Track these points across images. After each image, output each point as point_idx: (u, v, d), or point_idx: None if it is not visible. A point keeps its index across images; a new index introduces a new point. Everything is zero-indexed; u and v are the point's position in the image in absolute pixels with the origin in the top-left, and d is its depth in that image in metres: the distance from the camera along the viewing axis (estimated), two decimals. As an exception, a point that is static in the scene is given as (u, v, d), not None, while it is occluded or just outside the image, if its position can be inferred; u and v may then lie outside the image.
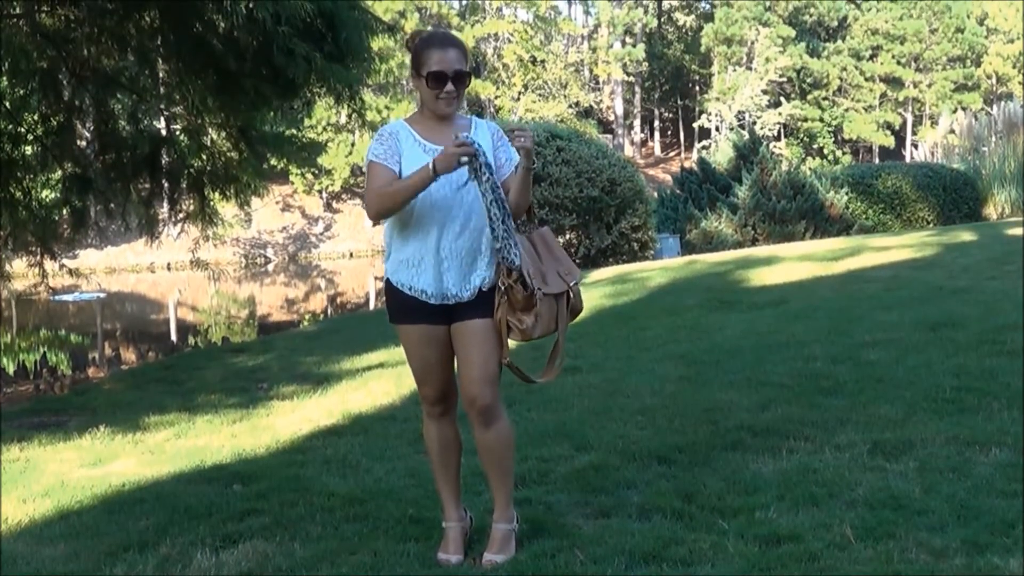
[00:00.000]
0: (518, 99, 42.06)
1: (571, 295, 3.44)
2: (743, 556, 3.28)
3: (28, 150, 8.88)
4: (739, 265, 11.37)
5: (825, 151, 46.24)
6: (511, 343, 3.37)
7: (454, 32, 4.28)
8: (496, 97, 41.84)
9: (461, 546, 3.47)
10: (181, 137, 9.22)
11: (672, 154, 52.88)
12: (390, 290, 3.43)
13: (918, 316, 7.28)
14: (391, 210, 3.30)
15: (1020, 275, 8.60)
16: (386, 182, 3.29)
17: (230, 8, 6.43)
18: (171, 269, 33.02)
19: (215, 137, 8.94)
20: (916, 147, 34.13)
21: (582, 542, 3.47)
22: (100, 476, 4.79)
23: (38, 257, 9.40)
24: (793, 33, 45.48)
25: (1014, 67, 47.40)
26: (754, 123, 39.84)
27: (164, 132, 9.86)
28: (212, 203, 9.17)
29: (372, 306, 21.60)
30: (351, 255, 36.73)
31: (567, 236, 14.95)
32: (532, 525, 3.62)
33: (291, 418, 5.87)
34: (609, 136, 45.60)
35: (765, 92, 42.38)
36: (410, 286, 3.36)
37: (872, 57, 47.76)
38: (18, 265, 10.11)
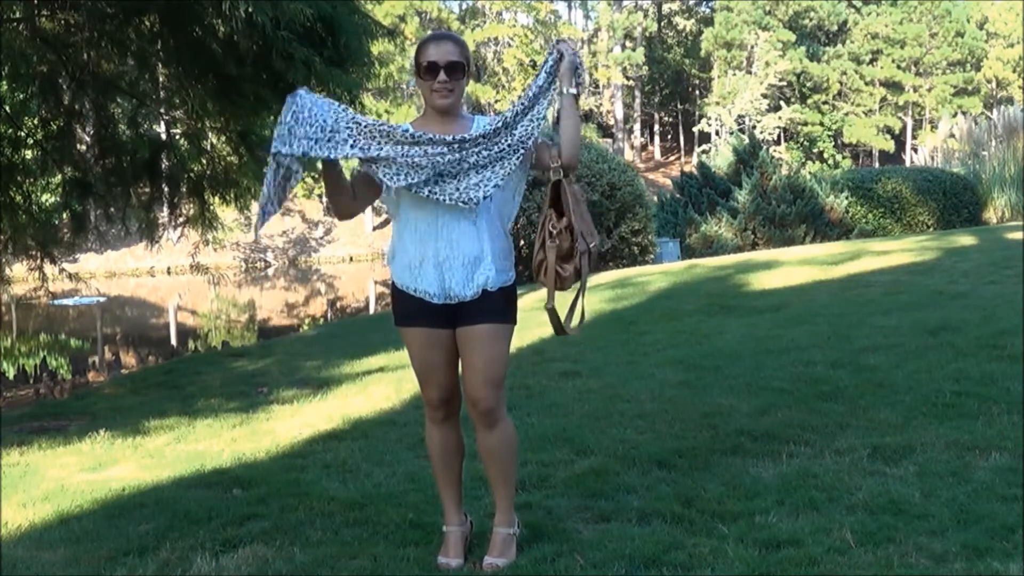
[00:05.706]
0: (518, 103, 42.03)
1: (591, 254, 3.44)
2: (743, 560, 3.28)
3: (28, 154, 8.88)
4: (739, 269, 11.37)
5: (825, 155, 46.31)
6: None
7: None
8: (496, 101, 41.87)
9: (461, 550, 3.47)
10: (181, 141, 9.22)
11: (672, 158, 52.92)
12: (395, 293, 3.44)
13: (918, 321, 7.28)
14: (333, 204, 3.39)
15: (1020, 279, 8.59)
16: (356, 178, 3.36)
17: (229, 13, 6.42)
18: (171, 273, 33.07)
19: (215, 141, 8.95)
20: (916, 151, 34.17)
21: (582, 547, 3.46)
22: (100, 481, 4.79)
23: (38, 261, 9.40)
24: (793, 37, 45.59)
25: (1014, 71, 47.52)
26: (754, 127, 39.87)
27: (164, 136, 9.85)
28: (212, 207, 9.16)
29: (372, 310, 21.60)
30: (351, 259, 36.75)
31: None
32: (532, 530, 3.62)
33: (291, 423, 5.87)
34: (609, 140, 45.70)
35: (765, 96, 42.44)
36: (414, 288, 3.37)
37: (872, 61, 47.85)
38: (18, 269, 10.12)
